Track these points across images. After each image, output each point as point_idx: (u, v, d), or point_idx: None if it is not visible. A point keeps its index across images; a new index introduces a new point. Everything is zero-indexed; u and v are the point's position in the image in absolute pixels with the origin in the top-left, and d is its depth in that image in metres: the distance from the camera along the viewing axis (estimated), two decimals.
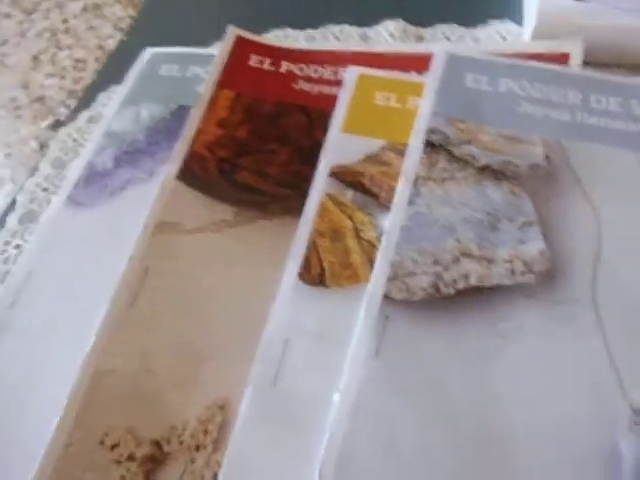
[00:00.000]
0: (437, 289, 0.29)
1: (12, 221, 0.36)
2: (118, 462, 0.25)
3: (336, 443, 0.25)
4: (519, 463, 0.24)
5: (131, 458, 0.25)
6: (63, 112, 0.44)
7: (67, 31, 0.68)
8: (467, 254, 0.30)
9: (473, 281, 0.29)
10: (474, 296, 0.29)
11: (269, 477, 0.25)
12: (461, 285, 0.29)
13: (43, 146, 0.39)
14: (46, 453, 0.25)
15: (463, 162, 0.33)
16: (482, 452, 0.25)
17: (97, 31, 0.59)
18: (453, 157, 0.33)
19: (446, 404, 0.26)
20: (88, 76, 0.48)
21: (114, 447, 0.25)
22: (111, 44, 0.48)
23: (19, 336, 0.30)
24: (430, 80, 0.36)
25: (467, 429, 0.25)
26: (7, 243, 0.34)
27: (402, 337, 0.28)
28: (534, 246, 0.29)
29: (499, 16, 0.42)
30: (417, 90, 0.36)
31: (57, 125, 0.41)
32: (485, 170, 0.33)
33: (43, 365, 0.28)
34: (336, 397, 0.26)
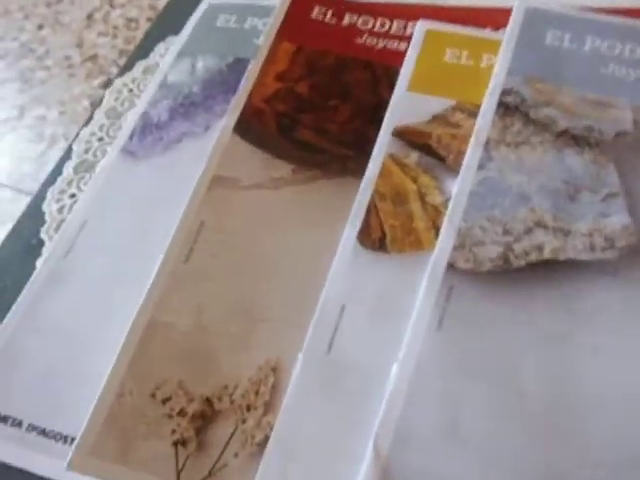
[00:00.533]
0: (507, 260, 0.27)
1: (67, 170, 0.35)
2: (169, 416, 0.25)
3: (393, 417, 0.24)
4: (593, 451, 0.23)
5: (182, 413, 0.25)
6: (114, 71, 0.43)
7: None
8: (541, 224, 0.28)
9: (547, 254, 0.27)
10: (547, 270, 0.26)
11: (321, 444, 0.24)
12: (533, 257, 0.27)
13: (95, 104, 0.39)
14: (98, 402, 0.25)
15: (540, 126, 0.30)
16: (553, 436, 0.23)
17: None
18: (529, 120, 0.31)
19: (514, 383, 0.24)
20: (139, 36, 0.47)
21: (165, 401, 0.25)
22: (162, 4, 0.47)
23: (74, 285, 0.29)
24: (507, 36, 0.33)
25: (537, 411, 0.23)
26: (62, 192, 0.34)
27: (467, 310, 0.26)
28: (617, 220, 0.27)
29: None
30: (492, 47, 0.34)
31: (109, 84, 0.40)
32: (564, 135, 0.30)
33: (97, 315, 0.28)
34: (394, 368, 0.25)
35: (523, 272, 0.27)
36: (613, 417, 0.23)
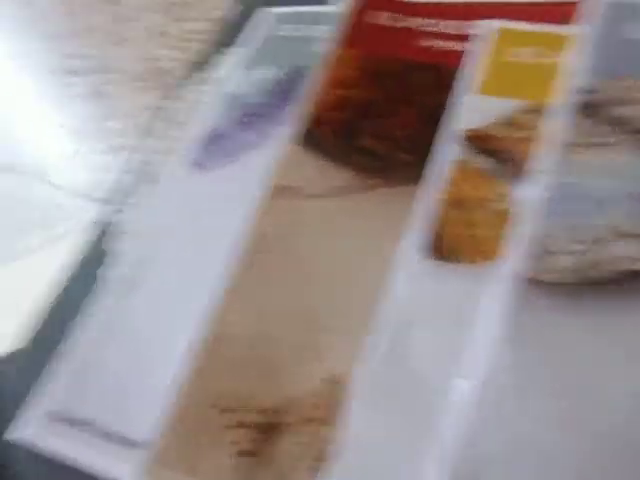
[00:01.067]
0: (584, 272, 0.25)
1: (129, 181, 0.36)
2: (228, 427, 0.25)
3: (461, 436, 0.22)
4: None
5: (243, 425, 0.25)
6: (177, 84, 0.44)
7: (183, 4, 0.69)
8: (624, 233, 0.25)
9: (628, 265, 0.25)
10: (628, 283, 0.24)
11: (384, 460, 0.23)
12: (614, 268, 0.25)
13: (156, 115, 0.40)
14: (166, 411, 0.25)
15: (620, 126, 0.28)
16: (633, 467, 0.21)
17: (210, 2, 0.59)
18: (609, 119, 0.28)
19: (594, 408, 0.22)
20: (202, 47, 0.48)
21: (226, 411, 0.25)
22: (223, 15, 0.48)
23: (144, 296, 0.30)
24: (581, 31, 0.31)
25: (618, 444, 0.21)
26: (124, 203, 0.35)
27: (540, 324, 0.24)
28: None
29: None
30: (563, 44, 0.32)
31: (171, 95, 0.41)
32: None
33: (165, 325, 0.29)
34: (461, 384, 0.24)
35: (604, 285, 0.25)
36: None
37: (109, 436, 0.26)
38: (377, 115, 0.32)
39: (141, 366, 0.28)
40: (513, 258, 0.26)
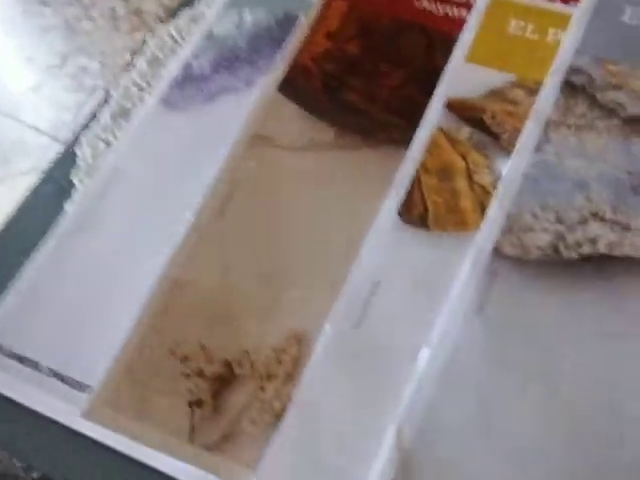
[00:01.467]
0: (557, 250, 0.25)
1: (104, 116, 0.34)
2: (187, 375, 0.24)
3: (420, 405, 0.22)
4: (630, 456, 0.21)
5: (200, 374, 0.24)
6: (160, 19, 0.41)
7: None
8: (598, 216, 0.26)
9: (601, 248, 0.25)
10: (600, 265, 0.25)
11: (340, 421, 0.23)
12: (586, 250, 0.25)
13: (136, 52, 0.37)
14: (119, 353, 0.25)
15: (607, 110, 0.28)
16: (589, 440, 0.22)
17: None
18: (595, 103, 0.28)
19: (553, 379, 0.22)
20: None
21: (184, 359, 0.24)
22: None
23: (103, 233, 0.29)
24: (579, 11, 0.31)
25: (577, 412, 0.22)
26: (97, 137, 0.33)
27: (510, 298, 0.24)
28: None
29: None
30: (560, 22, 0.31)
31: (152, 31, 0.38)
32: (633, 122, 0.28)
33: (123, 266, 0.27)
34: (426, 352, 0.23)
35: (573, 265, 0.25)
36: None
37: (58, 377, 0.25)
38: (366, 72, 0.31)
39: (95, 305, 0.27)
40: (489, 231, 0.26)
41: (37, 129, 0.87)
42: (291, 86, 0.31)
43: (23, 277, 0.28)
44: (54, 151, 0.36)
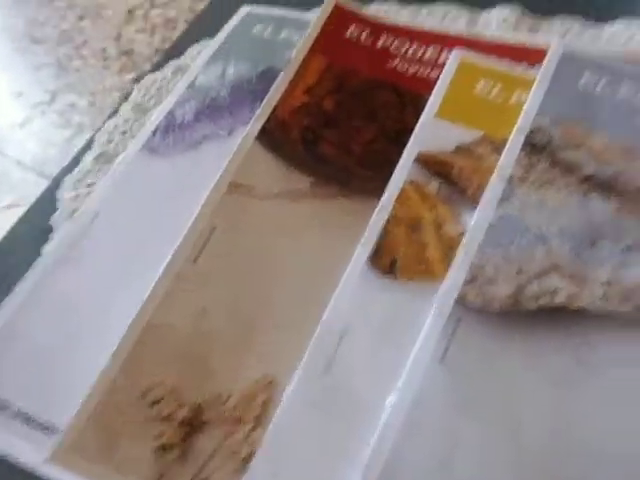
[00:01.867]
0: (517, 301, 0.26)
1: (87, 160, 0.35)
2: (156, 420, 0.24)
3: (384, 450, 0.23)
4: None
5: (170, 418, 0.24)
6: (148, 68, 0.43)
7: None
8: (558, 268, 0.27)
9: (560, 299, 0.26)
10: (558, 315, 0.26)
11: (307, 468, 0.24)
12: (545, 301, 0.26)
13: (125, 98, 0.39)
14: (87, 397, 0.25)
15: (566, 168, 0.30)
16: None
17: None
18: (556, 161, 0.30)
19: (514, 425, 0.23)
20: (176, 36, 0.47)
21: (155, 404, 0.25)
22: (202, 7, 0.47)
23: (79, 276, 0.29)
24: (540, 75, 0.33)
25: (532, 459, 0.22)
26: (79, 181, 0.34)
27: (473, 345, 0.25)
28: (637, 273, 0.26)
29: (633, 12, 0.37)
30: (524, 84, 0.33)
31: (139, 79, 0.40)
32: (590, 180, 0.29)
33: (99, 308, 0.28)
34: (392, 399, 0.24)
35: (534, 314, 0.26)
36: (614, 477, 0.22)
37: (26, 419, 0.25)
38: (340, 127, 0.33)
39: (68, 346, 0.27)
40: (454, 281, 0.27)
41: (22, 164, 0.88)
42: (269, 137, 0.32)
43: None
44: (39, 186, 0.36)
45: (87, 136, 0.38)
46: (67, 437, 0.24)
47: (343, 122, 0.33)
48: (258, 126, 0.33)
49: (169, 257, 0.28)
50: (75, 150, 0.37)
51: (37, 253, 0.31)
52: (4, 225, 0.35)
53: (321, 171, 0.31)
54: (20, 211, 0.35)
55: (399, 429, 0.23)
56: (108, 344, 0.26)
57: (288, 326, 0.27)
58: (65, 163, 0.36)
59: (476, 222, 0.29)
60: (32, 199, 0.35)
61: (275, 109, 0.33)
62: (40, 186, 0.36)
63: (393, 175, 0.31)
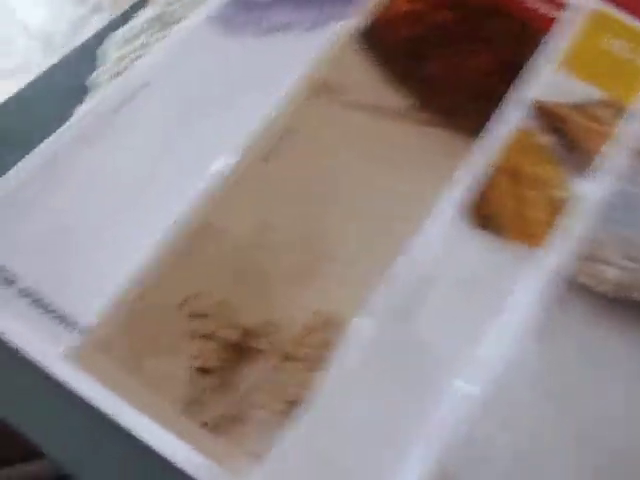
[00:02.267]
0: (628, 289, 0.23)
1: (139, 19, 0.29)
2: (193, 336, 0.20)
3: (461, 430, 0.19)
4: None
5: (213, 337, 0.20)
6: None
7: None
8: None
9: None
10: None
11: (364, 430, 0.20)
12: None
13: None
14: (121, 294, 0.20)
15: None
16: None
17: None
18: None
19: (604, 423, 0.20)
20: None
21: (196, 317, 0.20)
22: None
23: (116, 148, 0.24)
24: None
25: (628, 454, 0.19)
26: (127, 41, 0.28)
27: (572, 328, 0.22)
28: None
29: None
30: None
31: None
32: None
33: (137, 189, 0.23)
34: (471, 371, 0.21)
35: None
36: None
37: (35, 301, 0.21)
38: (454, 45, 0.28)
39: (98, 230, 0.22)
40: (558, 252, 0.23)
41: (28, 29, 0.79)
42: (372, 37, 0.27)
43: (10, 175, 0.24)
44: (43, 57, 0.30)
45: (104, 16, 0.31)
46: (92, 333, 0.19)
47: (457, 41, 0.28)
48: (358, 22, 0.27)
49: (233, 152, 0.23)
50: (91, 28, 0.31)
51: (67, 114, 0.26)
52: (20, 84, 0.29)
53: (424, 93, 0.26)
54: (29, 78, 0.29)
55: (476, 412, 0.20)
56: (146, 236, 0.21)
57: (359, 260, 0.23)
58: (77, 39, 0.29)
59: (591, 193, 0.25)
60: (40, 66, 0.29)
61: (383, 9, 0.28)
62: (47, 56, 0.30)
63: (503, 116, 0.26)
